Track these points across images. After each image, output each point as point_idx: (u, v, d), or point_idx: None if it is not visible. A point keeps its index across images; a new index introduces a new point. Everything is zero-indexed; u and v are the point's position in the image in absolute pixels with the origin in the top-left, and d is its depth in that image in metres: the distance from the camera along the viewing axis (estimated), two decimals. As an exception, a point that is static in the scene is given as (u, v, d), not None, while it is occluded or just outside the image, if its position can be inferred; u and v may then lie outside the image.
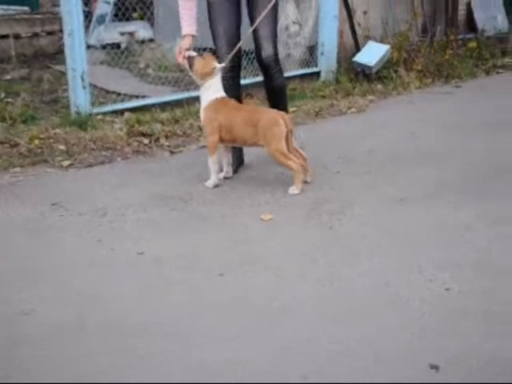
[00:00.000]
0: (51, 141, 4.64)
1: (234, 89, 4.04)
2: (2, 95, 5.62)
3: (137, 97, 5.88)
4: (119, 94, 5.84)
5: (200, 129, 5.24)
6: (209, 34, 4.05)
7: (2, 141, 4.55)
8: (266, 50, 3.92)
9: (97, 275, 2.92)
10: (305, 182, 3.88)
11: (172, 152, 4.76)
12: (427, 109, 5.95)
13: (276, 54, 3.98)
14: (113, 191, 3.89)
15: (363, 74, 7.10)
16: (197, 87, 4.08)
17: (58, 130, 4.84)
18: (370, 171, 4.21)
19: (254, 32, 3.91)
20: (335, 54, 7.22)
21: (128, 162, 4.48)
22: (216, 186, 3.92)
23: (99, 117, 5.29)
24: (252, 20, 3.95)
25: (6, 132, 4.70)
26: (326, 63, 7.17)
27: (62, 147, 4.59)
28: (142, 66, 7.39)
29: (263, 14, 3.82)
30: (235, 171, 4.14)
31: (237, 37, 3.98)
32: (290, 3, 6.97)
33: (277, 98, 4.05)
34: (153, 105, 5.74)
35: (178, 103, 5.92)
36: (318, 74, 7.20)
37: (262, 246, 3.17)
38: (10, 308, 2.63)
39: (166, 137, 5.10)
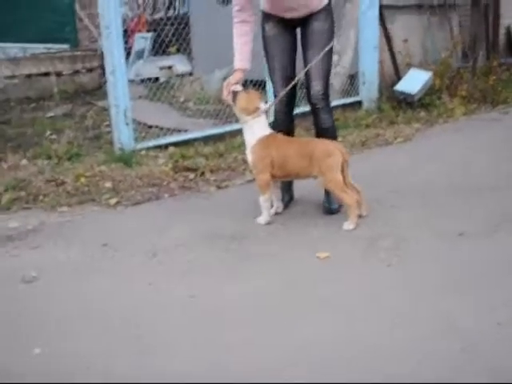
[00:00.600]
0: (97, 178, 4.61)
1: (286, 124, 3.97)
2: (48, 133, 5.62)
3: (179, 131, 5.85)
4: (162, 129, 5.82)
5: (244, 162, 5.20)
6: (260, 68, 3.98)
7: (49, 179, 4.52)
8: (316, 88, 3.83)
9: (149, 321, 2.81)
10: (359, 216, 3.74)
11: (219, 187, 4.68)
12: (476, 136, 5.81)
13: (326, 93, 3.87)
14: (162, 230, 3.80)
15: (406, 102, 6.99)
16: (238, 119, 3.98)
17: (103, 168, 4.81)
18: (425, 204, 4.07)
19: (307, 71, 3.83)
20: (376, 83, 7.14)
21: (175, 199, 4.41)
22: (268, 223, 3.81)
23: (143, 152, 5.26)
24: (305, 59, 3.87)
25: (52, 171, 4.68)
26: (368, 92, 7.09)
27: (109, 185, 4.55)
28: (182, 99, 7.39)
29: (318, 57, 3.74)
30: (285, 206, 4.03)
31: (292, 72, 3.92)
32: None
33: (325, 137, 3.94)
34: (195, 139, 5.71)
35: (220, 136, 5.89)
36: (359, 103, 7.12)
37: (323, 287, 3.04)
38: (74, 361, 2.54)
39: (211, 171, 5.04)
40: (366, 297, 2.93)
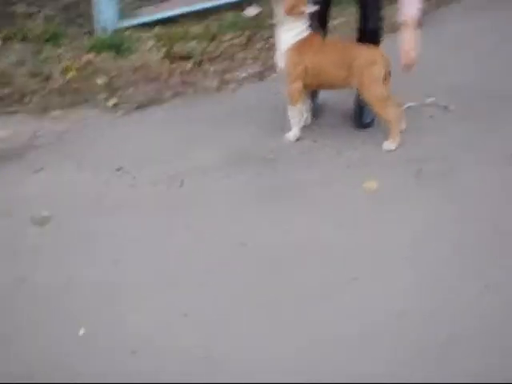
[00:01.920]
0: (88, 71, 4.01)
1: (320, 27, 3.43)
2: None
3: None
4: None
5: (241, 47, 4.68)
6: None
7: (34, 72, 3.91)
8: None
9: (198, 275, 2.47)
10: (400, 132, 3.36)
11: (222, 81, 4.16)
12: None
13: None
14: (180, 148, 3.35)
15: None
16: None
17: (91, 56, 4.19)
18: (465, 113, 3.61)
19: None
20: None
21: (180, 99, 3.89)
22: (298, 139, 3.40)
23: (127, 33, 4.62)
24: None
25: (35, 59, 4.03)
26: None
27: (102, 81, 3.97)
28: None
29: None
30: (314, 117, 3.59)
31: None
32: None
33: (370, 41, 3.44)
34: (182, 15, 5.05)
35: (209, 12, 5.22)
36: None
37: (383, 234, 2.72)
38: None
39: (209, 60, 4.49)
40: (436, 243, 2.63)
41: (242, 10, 5.34)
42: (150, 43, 4.63)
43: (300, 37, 3.24)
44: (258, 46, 4.77)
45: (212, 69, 4.38)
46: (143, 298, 2.36)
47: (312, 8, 3.20)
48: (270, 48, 4.66)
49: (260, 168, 3.17)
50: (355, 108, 3.55)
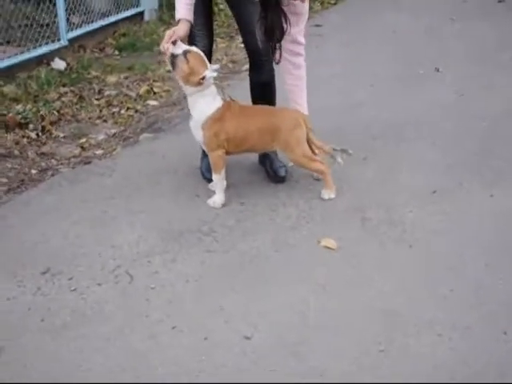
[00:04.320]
0: None
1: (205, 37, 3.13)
2: None
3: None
4: None
5: (77, 104, 4.16)
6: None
7: None
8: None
9: None
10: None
11: (82, 148, 3.63)
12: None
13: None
14: (101, 235, 2.82)
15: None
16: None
17: None
18: (387, 150, 3.61)
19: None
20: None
21: (59, 176, 3.28)
22: (224, 204, 3.06)
23: None
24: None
25: None
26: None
27: None
28: None
29: None
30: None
31: None
32: None
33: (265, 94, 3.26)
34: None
35: (17, 67, 4.55)
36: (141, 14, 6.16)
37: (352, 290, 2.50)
38: None
39: (51, 124, 3.90)
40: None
41: (47, 63, 4.78)
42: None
43: (215, 105, 2.95)
44: (96, 102, 4.28)
45: (61, 134, 3.80)
46: None
47: (212, 73, 2.89)
48: (111, 103, 4.23)
49: (204, 244, 2.75)
50: (268, 164, 3.33)
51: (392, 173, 3.39)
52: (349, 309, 2.39)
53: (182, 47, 2.84)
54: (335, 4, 7.12)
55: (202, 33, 3.07)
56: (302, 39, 3.14)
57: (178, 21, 2.87)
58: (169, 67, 2.96)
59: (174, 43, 2.83)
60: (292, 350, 2.17)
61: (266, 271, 2.60)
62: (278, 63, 3.12)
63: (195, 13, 2.91)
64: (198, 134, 2.98)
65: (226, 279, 2.54)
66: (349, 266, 2.65)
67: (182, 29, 2.85)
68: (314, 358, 2.14)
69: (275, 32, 2.96)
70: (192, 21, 2.89)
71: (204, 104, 2.93)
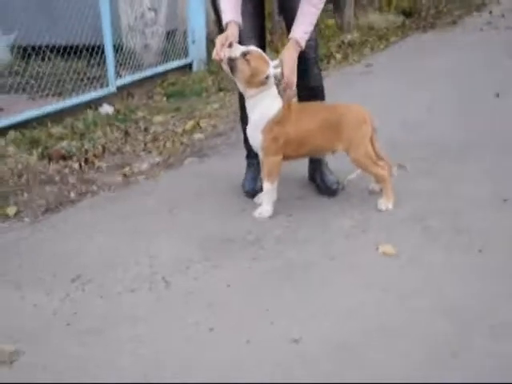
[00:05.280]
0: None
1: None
2: None
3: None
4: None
5: (121, 140, 4.04)
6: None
7: None
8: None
9: None
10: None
11: (125, 175, 3.47)
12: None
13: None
14: (141, 245, 2.59)
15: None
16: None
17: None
18: (437, 164, 3.37)
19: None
20: (205, 42, 6.22)
21: (95, 198, 3.12)
22: (270, 216, 2.82)
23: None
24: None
25: None
26: (198, 52, 6.15)
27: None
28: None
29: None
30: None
31: None
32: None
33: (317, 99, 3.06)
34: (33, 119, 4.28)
35: (59, 114, 4.51)
36: (189, 65, 6.15)
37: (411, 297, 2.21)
38: None
39: (95, 156, 3.77)
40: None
41: (96, 108, 4.74)
42: (11, 149, 3.82)
43: (276, 106, 2.76)
44: (140, 137, 4.16)
45: (104, 165, 3.66)
46: None
47: (276, 69, 2.72)
48: (156, 138, 4.11)
49: (249, 252, 2.51)
50: (319, 179, 3.10)
51: (456, 184, 3.12)
52: (414, 310, 2.09)
53: (239, 49, 2.68)
54: (383, 50, 6.99)
55: (253, 34, 2.91)
56: None
57: (226, 24, 2.73)
58: (228, 73, 2.76)
59: (229, 47, 2.68)
60: (350, 354, 1.88)
61: (318, 277, 2.36)
62: None
63: (243, 15, 2.78)
64: (257, 138, 2.78)
65: (273, 283, 2.29)
66: (411, 270, 2.38)
67: (232, 32, 2.70)
68: (375, 360, 1.84)
69: None
70: (241, 23, 2.75)
71: (265, 105, 2.75)
